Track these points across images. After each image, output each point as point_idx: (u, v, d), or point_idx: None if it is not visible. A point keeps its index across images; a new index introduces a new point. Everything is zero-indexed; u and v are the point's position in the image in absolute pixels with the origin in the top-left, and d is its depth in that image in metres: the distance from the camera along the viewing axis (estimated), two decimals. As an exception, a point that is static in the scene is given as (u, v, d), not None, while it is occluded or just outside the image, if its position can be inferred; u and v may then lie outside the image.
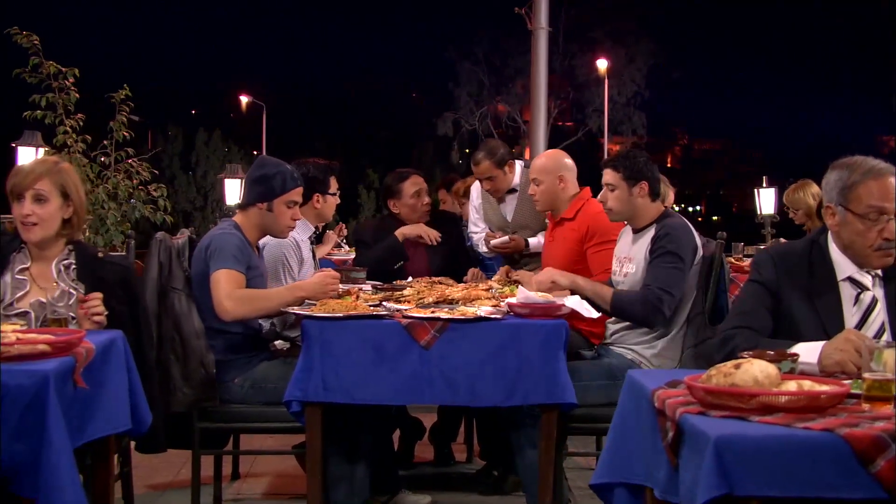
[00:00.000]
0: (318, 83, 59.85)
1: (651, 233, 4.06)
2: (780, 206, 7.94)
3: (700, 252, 4.05)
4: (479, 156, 5.44)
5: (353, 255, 5.97)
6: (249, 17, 72.07)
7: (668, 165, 56.68)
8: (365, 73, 60.98)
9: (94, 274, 3.44)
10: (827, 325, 2.77)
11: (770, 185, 8.33)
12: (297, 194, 4.25)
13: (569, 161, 4.98)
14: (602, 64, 36.81)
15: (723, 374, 2.12)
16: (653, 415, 2.36)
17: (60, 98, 7.00)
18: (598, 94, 37.85)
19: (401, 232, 5.32)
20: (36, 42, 6.96)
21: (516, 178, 5.51)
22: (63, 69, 7.00)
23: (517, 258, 5.44)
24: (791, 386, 2.11)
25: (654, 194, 4.12)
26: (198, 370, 3.98)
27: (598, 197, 4.23)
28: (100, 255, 3.56)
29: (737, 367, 2.12)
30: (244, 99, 48.00)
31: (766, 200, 8.24)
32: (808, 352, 2.55)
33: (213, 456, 4.55)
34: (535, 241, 5.37)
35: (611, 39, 38.68)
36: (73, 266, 3.43)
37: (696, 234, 4.08)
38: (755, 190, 8.42)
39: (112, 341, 3.13)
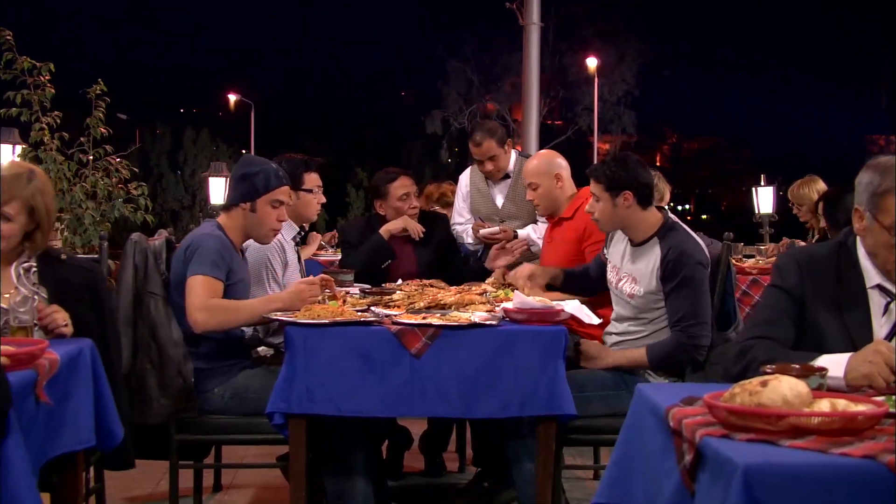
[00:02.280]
0: (307, 81, 59.59)
1: (656, 252, 3.80)
2: (780, 204, 7.77)
3: (709, 256, 3.85)
4: (479, 136, 5.26)
5: (339, 256, 5.78)
6: (238, 15, 71.74)
7: (658, 164, 56.55)
8: (354, 71, 60.76)
9: (57, 277, 3.20)
10: (854, 336, 2.54)
11: (768, 183, 8.13)
12: (282, 193, 4.02)
13: (562, 160, 4.79)
14: (592, 62, 36.73)
15: (748, 393, 1.91)
16: (662, 434, 2.15)
17: (36, 95, 6.77)
18: (587, 93, 37.76)
19: (385, 229, 5.12)
20: (9, 37, 6.74)
21: (510, 165, 5.34)
22: (38, 64, 6.77)
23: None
24: (823, 405, 1.90)
25: (645, 202, 3.83)
26: (175, 379, 3.78)
27: (587, 208, 4.02)
28: (63, 257, 3.32)
29: (763, 384, 1.91)
30: (232, 97, 47.74)
31: (763, 199, 8.02)
32: (832, 364, 2.34)
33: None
34: (524, 234, 5.21)
35: (601, 38, 38.57)
36: (34, 269, 3.20)
37: (700, 241, 3.87)
38: (753, 188, 8.21)
39: (79, 351, 2.92)
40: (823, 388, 2.12)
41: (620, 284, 3.94)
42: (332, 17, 69.04)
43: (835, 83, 62.15)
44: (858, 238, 2.65)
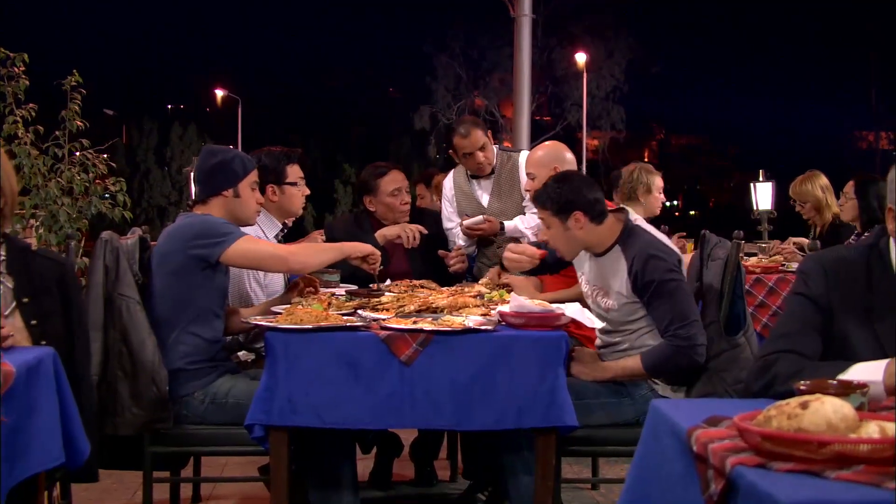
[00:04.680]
0: (295, 77, 59.27)
1: (621, 262, 3.56)
2: (780, 200, 7.57)
3: (678, 251, 3.63)
4: (465, 128, 5.06)
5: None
6: (225, 10, 71.29)
7: (646, 160, 56.38)
8: (341, 67, 60.46)
9: (26, 267, 2.97)
10: (887, 346, 2.27)
11: (766, 179, 7.88)
12: (256, 175, 3.95)
13: (568, 155, 4.58)
14: (581, 58, 36.60)
15: (786, 416, 1.68)
16: (683, 459, 1.92)
17: (9, 86, 6.51)
18: (576, 88, 37.65)
19: (381, 234, 4.85)
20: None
21: (494, 159, 5.13)
22: (11, 55, 6.52)
23: (494, 240, 5.09)
24: (871, 430, 1.67)
25: (598, 218, 3.59)
26: (149, 388, 3.53)
27: (540, 236, 3.83)
28: (34, 248, 3.09)
29: (804, 406, 1.68)
30: (219, 93, 47.52)
31: (762, 195, 7.78)
32: (869, 371, 2.10)
33: (170, 475, 4.09)
34: (512, 225, 5.00)
35: (589, 33, 38.48)
36: (2, 258, 2.96)
37: (664, 237, 3.67)
38: (751, 184, 7.99)
39: (39, 361, 2.66)
40: (865, 408, 1.89)
41: (595, 298, 3.71)
42: (319, 12, 68.72)
43: (824, 80, 62.14)
44: (892, 240, 2.41)
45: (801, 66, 63.39)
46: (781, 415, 1.69)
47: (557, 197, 3.58)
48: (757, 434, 1.68)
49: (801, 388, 1.90)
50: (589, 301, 3.77)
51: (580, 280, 3.86)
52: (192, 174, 3.96)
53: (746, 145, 57.91)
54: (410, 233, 4.83)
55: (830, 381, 1.94)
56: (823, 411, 1.66)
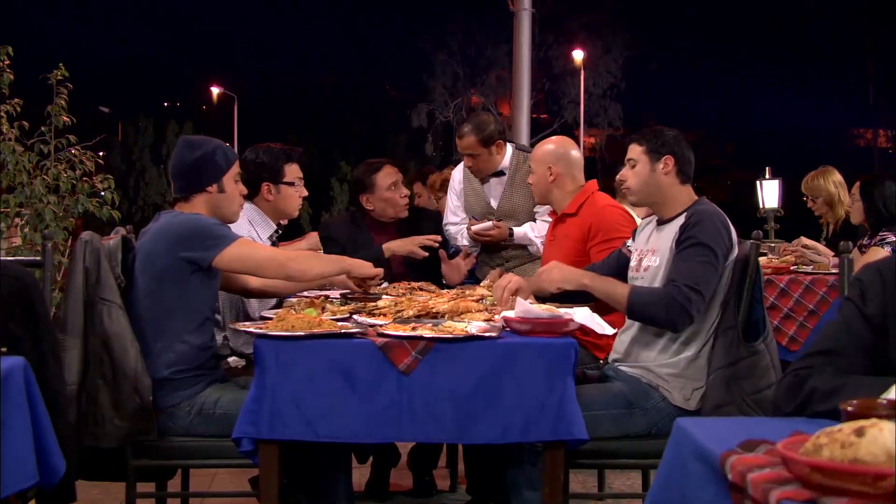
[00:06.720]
0: (291, 75, 58.97)
1: (680, 221, 3.42)
2: (786, 197, 7.40)
3: (735, 248, 3.42)
4: (466, 129, 4.85)
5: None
6: (222, 7, 71.05)
7: (644, 158, 56.16)
8: (338, 64, 60.20)
9: None
10: None
11: (773, 176, 7.67)
12: (238, 166, 3.73)
13: (573, 152, 4.39)
14: (578, 55, 36.47)
15: (839, 444, 1.47)
16: (713, 486, 1.74)
17: (-6, 81, 6.34)
18: (573, 86, 37.54)
19: (388, 247, 4.61)
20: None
21: (505, 161, 4.92)
22: (-4, 48, 6.35)
23: (502, 247, 4.88)
24: (933, 460, 1.47)
25: (684, 175, 3.52)
26: (131, 397, 3.32)
27: (618, 176, 3.65)
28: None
29: (859, 433, 1.47)
30: (215, 90, 47.33)
31: (769, 193, 7.56)
32: None
33: (156, 487, 3.89)
34: (521, 232, 4.78)
35: (586, 30, 38.38)
36: None
37: (731, 226, 3.46)
38: (757, 181, 7.78)
39: (8, 374, 2.47)
40: (918, 430, 1.69)
41: (641, 262, 3.55)
42: (316, 9, 68.50)
43: (821, 77, 61.94)
44: None
45: (798, 64, 63.25)
46: (834, 443, 1.48)
47: (658, 137, 3.56)
48: (805, 464, 1.47)
49: (849, 409, 1.70)
50: (631, 273, 3.59)
51: (632, 256, 3.67)
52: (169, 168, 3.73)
53: (744, 143, 57.72)
54: (419, 250, 4.59)
55: (879, 401, 1.74)
56: (882, 440, 1.45)
